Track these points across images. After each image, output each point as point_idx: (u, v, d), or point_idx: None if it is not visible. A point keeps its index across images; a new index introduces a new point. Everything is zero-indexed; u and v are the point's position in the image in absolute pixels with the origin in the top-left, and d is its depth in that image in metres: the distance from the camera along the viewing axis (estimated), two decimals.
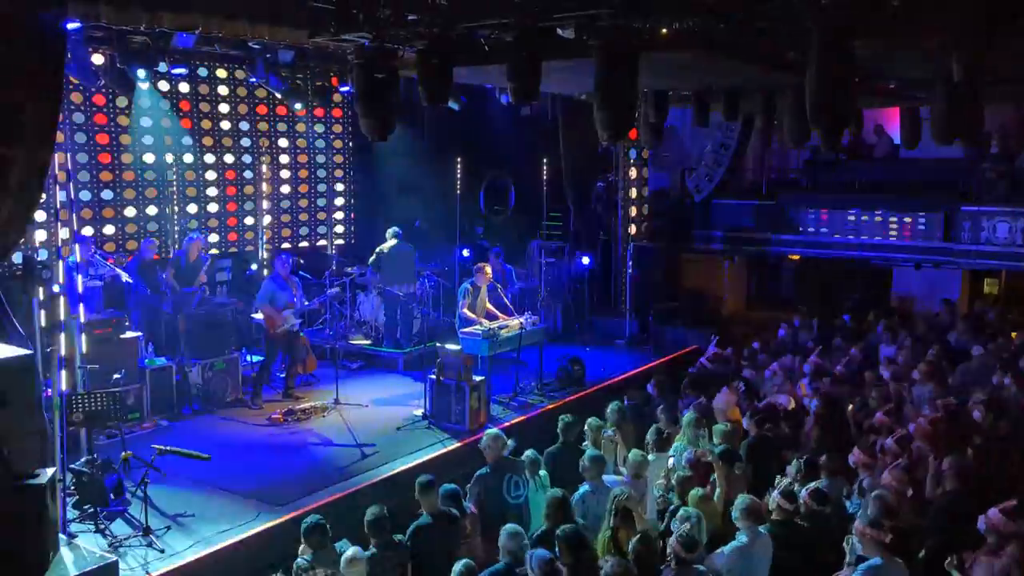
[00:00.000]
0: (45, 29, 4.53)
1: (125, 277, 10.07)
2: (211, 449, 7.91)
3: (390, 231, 12.12)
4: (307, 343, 11.38)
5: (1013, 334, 11.72)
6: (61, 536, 6.10)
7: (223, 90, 13.00)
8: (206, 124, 12.87)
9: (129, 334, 9.58)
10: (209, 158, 12.95)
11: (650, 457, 7.31)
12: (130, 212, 12.03)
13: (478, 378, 9.67)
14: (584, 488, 6.66)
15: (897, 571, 5.15)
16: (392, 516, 5.95)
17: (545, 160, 14.96)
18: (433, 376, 9.65)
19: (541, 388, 11.04)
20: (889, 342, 11.56)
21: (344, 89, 12.60)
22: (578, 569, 5.14)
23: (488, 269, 11.15)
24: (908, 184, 15.56)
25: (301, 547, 5.70)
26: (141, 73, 9.95)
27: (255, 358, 11.37)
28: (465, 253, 14.14)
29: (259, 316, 11.27)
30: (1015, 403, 8.58)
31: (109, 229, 11.82)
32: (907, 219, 14.73)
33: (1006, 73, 9.52)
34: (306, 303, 10.86)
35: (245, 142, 13.40)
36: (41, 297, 6.49)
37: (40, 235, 10.42)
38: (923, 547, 5.82)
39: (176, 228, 12.17)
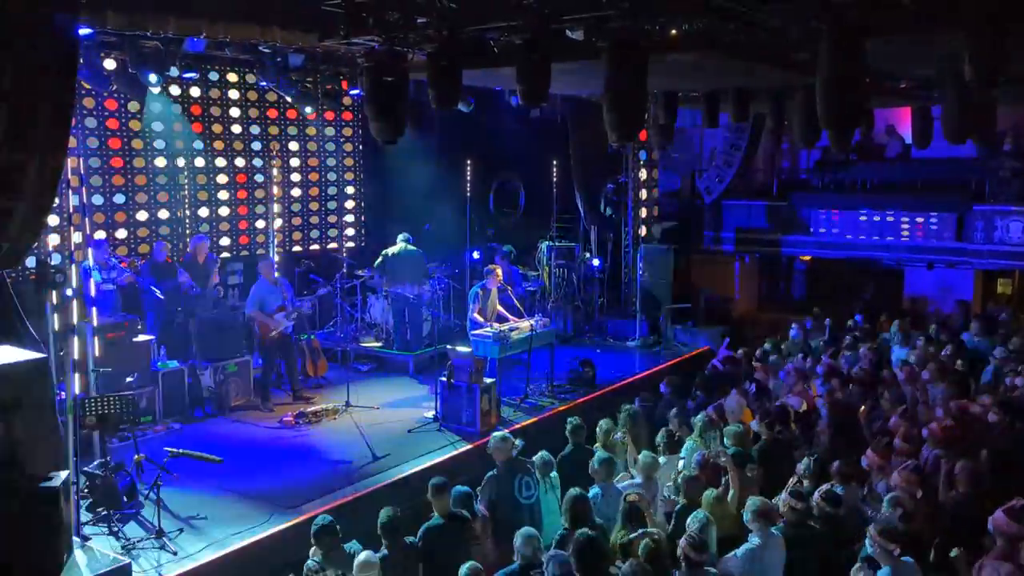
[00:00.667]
0: (57, 34, 4.56)
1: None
2: (223, 452, 7.94)
3: (400, 236, 12.17)
4: (318, 345, 11.41)
5: None
6: (75, 539, 6.12)
7: (234, 94, 13.04)
8: (217, 128, 12.90)
9: (141, 337, 9.63)
10: (220, 162, 12.99)
11: (661, 459, 7.29)
12: (142, 216, 12.08)
13: (489, 380, 9.67)
14: (595, 490, 6.65)
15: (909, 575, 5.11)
16: (403, 518, 5.95)
17: (555, 162, 14.95)
18: (444, 378, 9.65)
19: (552, 390, 11.03)
20: (902, 343, 11.51)
21: (354, 92, 12.61)
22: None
23: (499, 271, 11.15)
24: (920, 184, 15.49)
25: (312, 549, 5.71)
26: (152, 78, 9.98)
27: None
28: (475, 255, 14.15)
29: None
30: None
31: (121, 233, 11.88)
32: (919, 219, 14.66)
33: (1019, 72, 9.46)
34: (297, 304, 10.89)
35: (256, 145, 13.44)
36: (54, 301, 6.52)
37: (53, 239, 10.48)
38: (933, 549, 5.77)
39: (188, 232, 12.21)
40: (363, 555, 5.44)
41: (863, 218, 15.21)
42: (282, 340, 10.55)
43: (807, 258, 16.96)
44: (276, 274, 10.76)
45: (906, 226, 14.77)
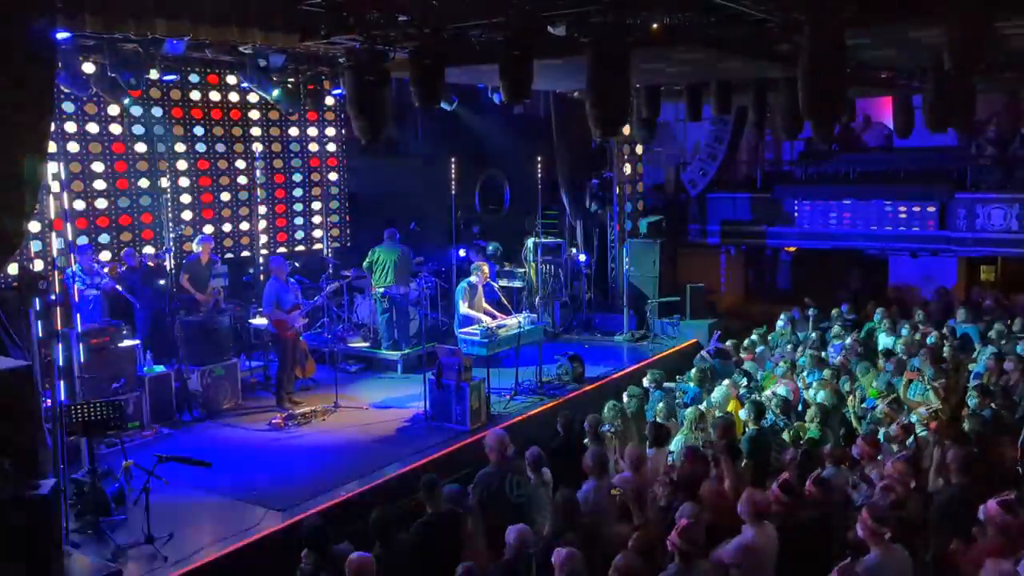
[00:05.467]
0: (35, 40, 4.52)
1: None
2: (212, 455, 7.90)
3: (386, 233, 12.14)
4: (305, 347, 11.35)
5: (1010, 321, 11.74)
6: (64, 547, 6.08)
7: (215, 96, 12.96)
8: (199, 130, 12.83)
9: (127, 342, 9.56)
10: (203, 164, 12.92)
11: (649, 452, 7.31)
12: (125, 220, 12.00)
13: (478, 378, 9.66)
14: (587, 486, 6.65)
15: (897, 562, 5.11)
16: (395, 517, 5.94)
17: (539, 158, 14.93)
18: (433, 377, 9.64)
19: (541, 386, 11.02)
20: (888, 331, 11.58)
21: (336, 91, 12.56)
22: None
23: (485, 268, 11.13)
24: (903, 173, 15.60)
25: (303, 552, 5.69)
26: (132, 81, 9.92)
27: (254, 363, 11.35)
28: (462, 253, 14.13)
29: (257, 321, 11.25)
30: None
31: (104, 238, 11.80)
32: (902, 208, 14.76)
33: (1000, 60, 9.53)
34: (309, 304, 10.87)
35: (238, 147, 13.36)
36: (38, 308, 6.47)
37: (35, 246, 10.39)
38: (928, 541, 5.78)
39: (172, 235, 12.14)
40: (355, 557, 5.41)
41: (847, 208, 15.30)
42: (295, 340, 10.50)
43: (792, 249, 17.04)
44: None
45: (889, 215, 14.87)
